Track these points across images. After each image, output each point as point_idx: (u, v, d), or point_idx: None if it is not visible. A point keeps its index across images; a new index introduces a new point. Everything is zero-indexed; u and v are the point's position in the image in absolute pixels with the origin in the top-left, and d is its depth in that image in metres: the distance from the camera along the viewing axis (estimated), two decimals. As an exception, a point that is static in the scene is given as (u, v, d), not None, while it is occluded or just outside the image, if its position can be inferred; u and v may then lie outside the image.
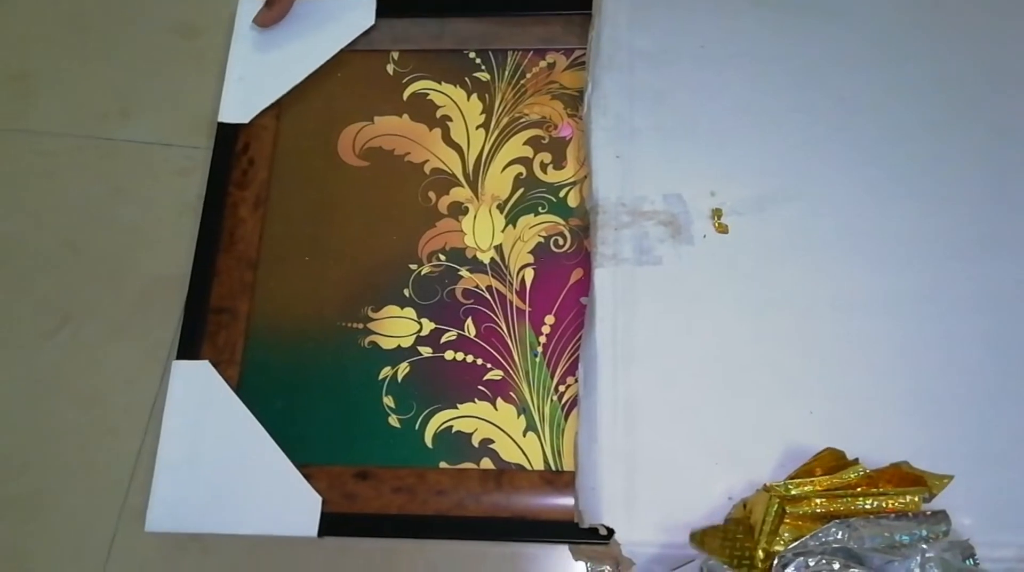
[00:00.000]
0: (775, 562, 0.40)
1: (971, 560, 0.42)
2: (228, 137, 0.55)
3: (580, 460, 0.46)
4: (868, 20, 0.56)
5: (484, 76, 0.57)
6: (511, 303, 0.51)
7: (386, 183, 0.55)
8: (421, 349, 0.50)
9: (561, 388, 0.49)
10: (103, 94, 0.59)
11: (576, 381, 0.48)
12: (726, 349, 0.48)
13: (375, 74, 0.58)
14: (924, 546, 0.41)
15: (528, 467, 0.47)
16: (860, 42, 0.55)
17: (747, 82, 0.54)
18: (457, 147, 0.55)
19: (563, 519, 0.45)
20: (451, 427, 0.48)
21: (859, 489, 0.43)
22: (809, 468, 0.44)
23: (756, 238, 0.50)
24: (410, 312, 0.51)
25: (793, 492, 0.43)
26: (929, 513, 0.42)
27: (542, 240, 0.53)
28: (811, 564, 0.40)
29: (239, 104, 0.56)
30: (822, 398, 0.47)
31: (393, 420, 0.48)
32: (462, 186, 0.54)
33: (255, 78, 0.57)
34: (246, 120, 0.55)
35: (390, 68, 0.58)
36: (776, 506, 0.42)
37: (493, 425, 0.48)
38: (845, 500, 0.42)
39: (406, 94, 0.57)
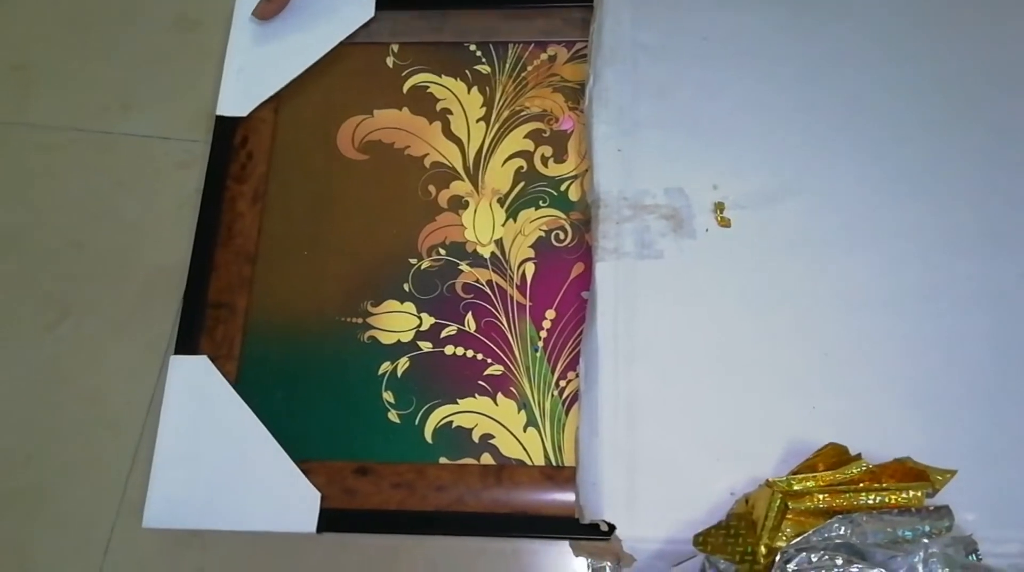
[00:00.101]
0: (777, 558, 0.40)
1: (974, 555, 0.41)
2: (226, 130, 0.55)
3: (581, 455, 0.46)
4: (872, 16, 0.55)
5: (485, 69, 0.57)
6: (511, 298, 0.51)
7: (386, 177, 0.54)
8: (421, 344, 0.50)
9: (562, 383, 0.49)
10: (103, 87, 0.59)
11: (577, 376, 0.48)
12: (728, 344, 0.47)
13: (375, 67, 0.57)
14: (927, 541, 0.40)
15: (529, 462, 0.47)
16: (864, 39, 0.55)
17: (750, 76, 0.54)
18: (457, 140, 0.55)
19: (564, 515, 0.45)
20: (451, 422, 0.48)
21: (862, 484, 0.42)
22: (811, 463, 0.44)
23: (759, 232, 0.50)
24: (410, 307, 0.51)
25: (795, 487, 0.42)
26: (932, 508, 0.41)
27: (543, 234, 0.52)
28: (814, 559, 0.39)
29: (237, 97, 0.56)
30: (825, 393, 0.46)
31: (393, 415, 0.48)
32: (462, 180, 0.54)
33: (254, 71, 0.56)
34: (244, 113, 0.55)
35: (390, 61, 0.57)
36: (778, 502, 0.41)
37: (493, 420, 0.48)
38: (848, 495, 0.42)
39: (406, 87, 0.56)
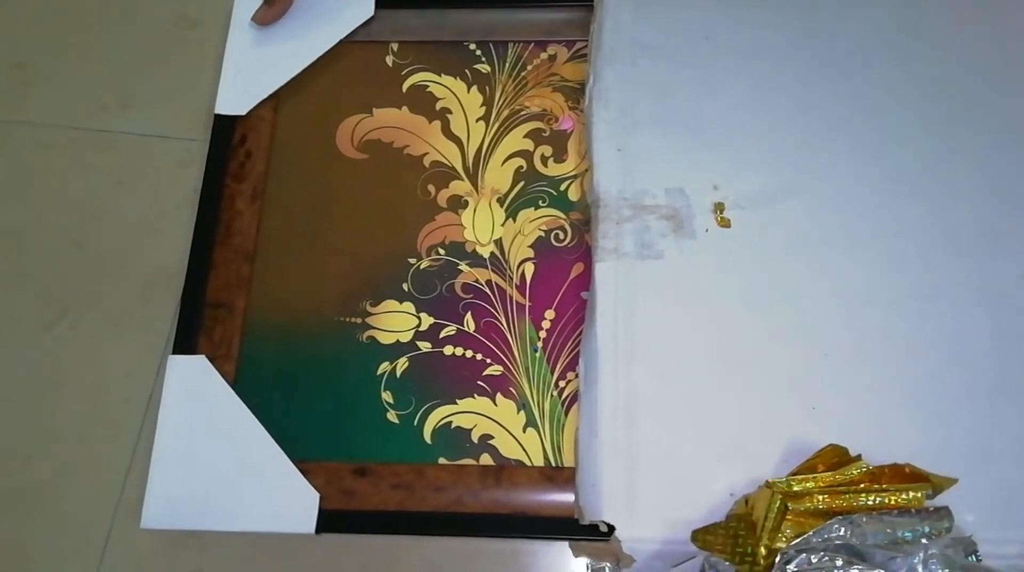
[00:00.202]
0: (777, 559, 0.40)
1: (974, 556, 0.41)
2: (225, 129, 0.55)
3: (580, 456, 0.45)
4: (873, 16, 0.55)
5: (484, 68, 0.56)
6: (511, 298, 0.51)
7: (385, 176, 0.54)
8: (420, 344, 0.50)
9: (561, 383, 0.49)
10: (102, 86, 0.58)
11: (576, 376, 0.48)
12: (728, 344, 0.47)
13: (374, 66, 0.57)
14: (926, 542, 0.40)
15: (528, 463, 0.47)
16: (865, 39, 0.55)
17: (751, 76, 0.54)
18: (457, 140, 0.55)
19: (563, 515, 0.45)
20: (450, 423, 0.48)
21: (862, 485, 0.42)
22: (811, 464, 0.44)
23: (759, 233, 0.50)
24: (409, 307, 0.51)
25: (795, 488, 0.42)
26: (932, 509, 0.41)
27: (542, 234, 0.52)
28: (814, 561, 0.39)
29: (236, 96, 0.55)
30: (825, 393, 0.46)
31: (392, 416, 0.48)
32: (462, 179, 0.54)
33: (253, 70, 0.56)
34: (243, 112, 0.55)
35: (389, 60, 0.57)
36: (778, 503, 0.41)
37: (493, 421, 0.48)
38: (847, 496, 0.42)
39: (405, 86, 0.56)
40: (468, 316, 0.50)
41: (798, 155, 0.52)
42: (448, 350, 0.49)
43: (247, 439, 0.47)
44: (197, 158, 0.55)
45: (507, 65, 0.57)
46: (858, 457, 0.43)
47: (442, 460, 0.47)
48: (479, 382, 0.49)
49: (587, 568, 0.45)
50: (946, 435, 0.45)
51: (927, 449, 0.44)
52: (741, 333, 0.48)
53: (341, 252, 0.52)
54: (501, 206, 0.53)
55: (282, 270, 0.52)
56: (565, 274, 0.51)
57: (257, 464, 0.46)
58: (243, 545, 0.46)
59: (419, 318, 0.50)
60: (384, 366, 0.49)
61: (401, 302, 0.51)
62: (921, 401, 0.46)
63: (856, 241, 0.50)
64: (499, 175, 0.54)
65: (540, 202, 0.53)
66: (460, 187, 0.54)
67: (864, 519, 0.41)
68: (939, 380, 0.46)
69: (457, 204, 0.53)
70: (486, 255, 0.52)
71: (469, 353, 0.49)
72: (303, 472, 0.46)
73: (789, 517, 0.41)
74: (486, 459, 0.47)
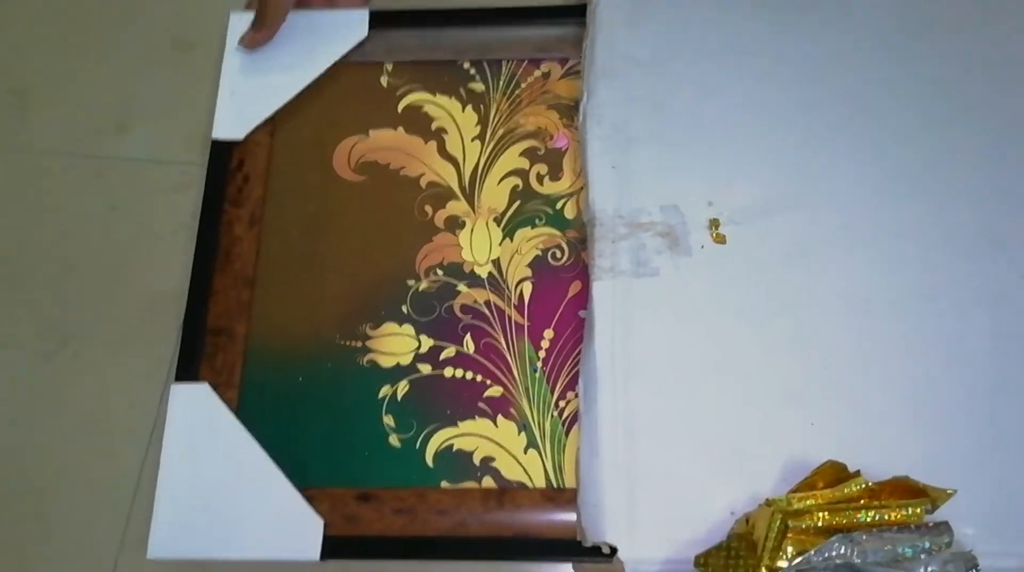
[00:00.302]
0: (778, 579, 0.40)
1: (974, 571, 0.41)
2: (222, 154, 0.55)
3: (582, 476, 0.46)
4: (868, 21, 0.55)
5: (479, 87, 0.57)
6: (510, 318, 0.51)
7: (382, 198, 0.54)
8: (420, 366, 0.50)
9: (561, 403, 0.49)
10: (99, 111, 0.59)
11: (576, 396, 0.48)
12: (726, 361, 0.48)
13: (369, 86, 0.57)
14: (926, 557, 0.40)
15: (530, 485, 0.47)
16: (860, 44, 0.54)
17: (745, 90, 0.54)
18: (453, 160, 0.55)
19: (566, 537, 0.45)
20: (452, 445, 0.48)
21: (861, 502, 0.43)
22: (811, 481, 0.44)
23: (754, 248, 0.50)
24: (408, 329, 0.51)
25: (795, 506, 0.43)
26: (931, 525, 0.42)
27: (540, 253, 0.52)
28: (814, 581, 0.40)
29: (233, 121, 0.56)
30: (824, 409, 0.46)
31: (394, 439, 0.48)
32: (459, 199, 0.54)
33: (248, 94, 0.56)
34: (240, 137, 0.55)
35: (384, 80, 0.57)
36: (779, 522, 0.42)
37: (494, 443, 0.48)
38: (847, 513, 0.42)
39: (400, 106, 0.56)
40: (468, 337, 0.51)
41: (792, 167, 0.52)
42: (448, 372, 0.50)
43: (251, 467, 0.47)
44: (194, 182, 0.56)
45: (501, 83, 0.57)
46: (857, 473, 0.43)
47: (444, 483, 0.47)
48: (480, 404, 0.49)
49: (590, 588, 0.45)
50: (946, 448, 0.46)
51: (927, 462, 0.44)
52: (738, 349, 0.48)
53: (340, 275, 0.52)
54: (498, 225, 0.53)
55: (282, 295, 0.52)
56: (563, 293, 0.51)
57: (261, 492, 0.47)
58: (249, 572, 0.47)
59: (419, 340, 0.51)
60: (385, 389, 0.49)
61: (401, 324, 0.51)
62: (921, 415, 0.46)
63: (853, 246, 0.50)
64: (495, 194, 0.54)
65: (537, 221, 0.53)
66: (457, 207, 0.54)
67: (864, 536, 0.41)
68: (939, 393, 0.47)
69: (454, 224, 0.53)
70: (484, 275, 0.52)
71: (469, 375, 0.50)
72: (307, 499, 0.46)
73: (790, 535, 0.42)
74: (488, 481, 0.47)
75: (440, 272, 0.52)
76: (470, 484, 0.47)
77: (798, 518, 0.42)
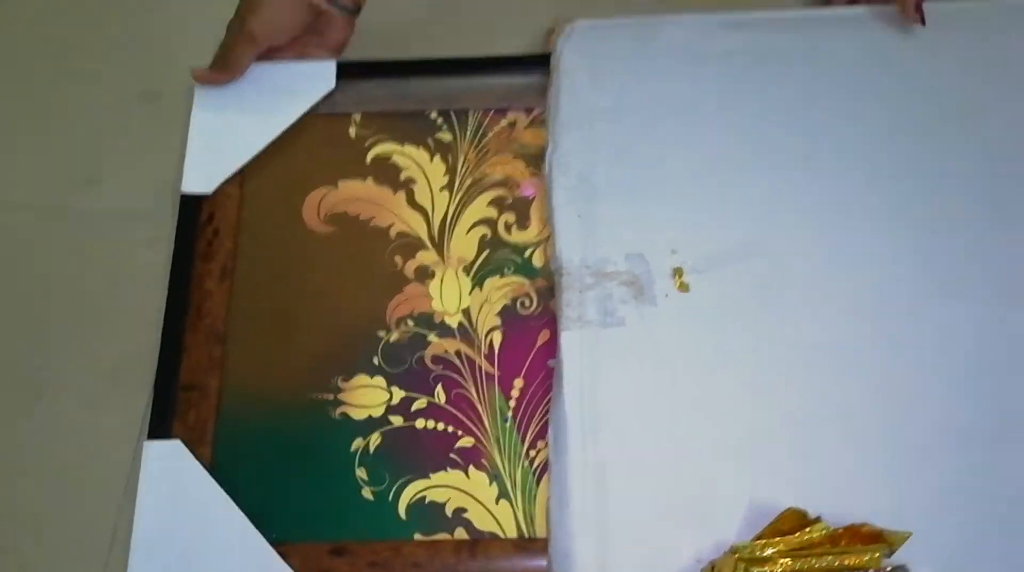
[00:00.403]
0: (743, 628, 0.41)
1: (932, 611, 0.43)
2: (191, 208, 0.55)
3: (552, 526, 0.47)
4: (829, 69, 0.57)
5: (446, 137, 0.58)
6: (480, 367, 0.52)
7: (352, 249, 0.55)
8: (392, 418, 0.51)
9: (532, 452, 0.50)
10: (67, 165, 0.59)
11: (547, 445, 0.49)
12: (691, 409, 0.49)
13: (337, 137, 0.58)
14: (886, 601, 0.42)
15: (502, 535, 0.48)
16: (821, 91, 0.56)
17: (706, 140, 0.55)
18: (422, 210, 0.56)
19: (538, 587, 0.46)
20: (424, 497, 0.49)
21: (822, 548, 0.44)
22: (773, 528, 0.45)
23: (716, 296, 0.51)
24: (380, 381, 0.52)
25: (758, 553, 0.44)
26: (890, 569, 0.43)
27: (509, 302, 0.53)
28: (777, 629, 0.41)
29: (201, 174, 0.56)
30: (787, 456, 0.48)
31: (367, 492, 0.49)
32: (428, 249, 0.55)
33: (217, 147, 0.57)
34: (209, 190, 0.56)
35: (352, 131, 0.58)
36: (742, 569, 0.43)
37: (466, 494, 0.49)
38: (808, 559, 0.44)
39: (369, 157, 0.57)
40: (439, 388, 0.51)
41: (753, 216, 0.53)
42: (420, 423, 0.51)
43: (225, 524, 0.48)
44: (164, 235, 0.56)
45: (468, 133, 0.58)
46: (817, 519, 0.45)
47: (418, 535, 0.48)
48: (451, 455, 0.50)
49: (562, 636, 0.46)
50: (905, 492, 0.47)
51: (887, 506, 0.46)
52: (702, 398, 0.49)
53: (311, 328, 0.53)
54: (468, 275, 0.54)
55: (254, 349, 0.53)
56: (532, 342, 0.52)
57: (236, 549, 0.47)
58: (225, 628, 0.47)
59: (390, 392, 0.51)
60: (358, 442, 0.50)
61: (372, 376, 0.52)
62: (880, 460, 0.47)
63: (813, 295, 0.51)
64: (464, 244, 0.55)
65: (506, 270, 0.54)
66: (427, 257, 0.55)
67: (825, 582, 0.42)
68: (898, 435, 0.48)
69: (424, 274, 0.54)
70: (454, 325, 0.53)
71: (441, 426, 0.50)
72: (281, 554, 0.47)
73: (754, 582, 0.43)
74: (461, 533, 0.48)
75: (411, 322, 0.53)
76: (443, 535, 0.48)
77: (761, 565, 0.43)
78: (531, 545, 0.47)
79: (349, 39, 0.59)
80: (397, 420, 0.51)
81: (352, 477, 0.49)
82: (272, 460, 0.50)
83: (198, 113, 0.57)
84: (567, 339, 0.50)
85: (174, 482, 0.49)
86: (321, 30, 0.58)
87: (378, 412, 0.51)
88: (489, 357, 0.52)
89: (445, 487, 0.49)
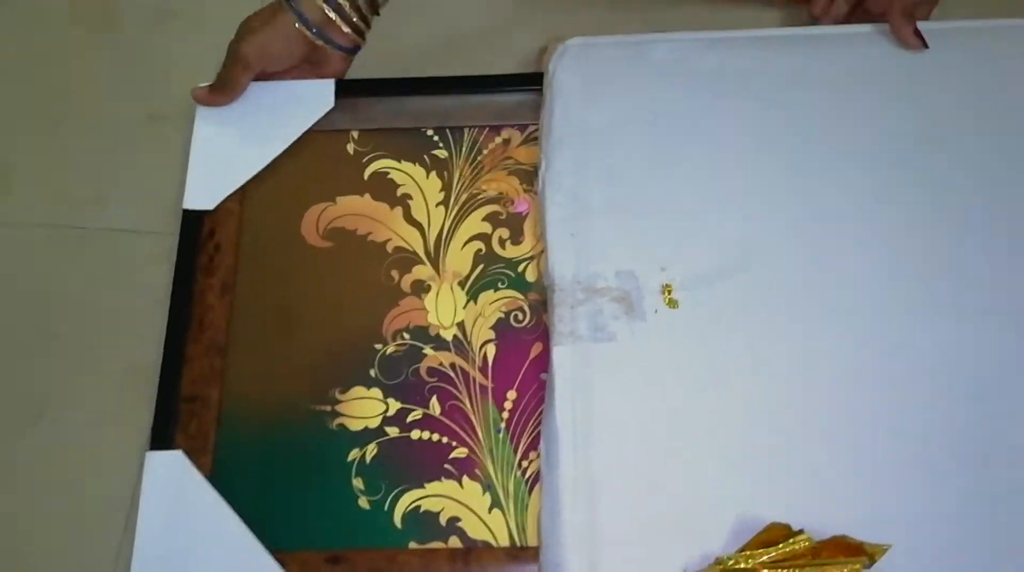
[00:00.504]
0: (726, 637, 0.42)
1: (911, 621, 0.44)
2: (194, 224, 0.57)
3: (543, 537, 0.48)
4: (818, 87, 0.58)
5: (442, 153, 0.59)
6: (474, 380, 0.53)
7: (350, 264, 0.56)
8: (388, 429, 0.52)
9: (524, 463, 0.51)
10: (76, 184, 0.61)
11: (539, 456, 0.50)
12: (680, 423, 0.50)
13: (336, 154, 0.59)
14: (866, 612, 0.43)
15: (494, 544, 0.49)
16: (811, 110, 0.57)
17: (696, 157, 0.56)
18: (418, 225, 0.57)
19: (529, 595, 0.48)
20: (419, 507, 0.50)
21: (804, 560, 0.45)
22: (759, 540, 0.46)
23: (704, 312, 0.52)
24: (376, 392, 0.53)
25: (742, 565, 0.45)
26: (870, 580, 0.45)
27: (503, 315, 0.55)
28: (760, 638, 0.42)
29: (203, 190, 0.57)
30: (773, 469, 0.49)
31: (363, 502, 0.50)
32: (424, 264, 0.56)
33: (218, 164, 0.58)
34: (211, 207, 0.57)
35: (350, 148, 0.59)
36: (727, 580, 0.44)
37: (460, 503, 0.50)
38: (792, 570, 0.45)
39: (367, 173, 0.59)
40: (434, 399, 0.53)
41: (742, 233, 0.54)
42: (415, 434, 0.52)
43: (225, 532, 0.49)
44: (169, 251, 0.57)
45: (464, 150, 0.59)
46: (801, 531, 0.46)
47: (412, 544, 0.49)
48: (446, 465, 0.51)
49: (553, 643, 0.47)
50: (886, 505, 0.48)
51: (869, 519, 0.47)
52: (691, 412, 0.50)
53: (310, 340, 0.54)
54: (462, 289, 0.55)
55: (254, 361, 0.54)
56: (525, 354, 0.54)
57: (236, 558, 0.48)
58: (225, 634, 0.48)
59: (387, 404, 0.53)
60: (354, 453, 0.51)
61: (369, 388, 0.53)
62: (864, 473, 0.48)
63: (800, 311, 0.52)
64: (459, 258, 0.56)
65: (500, 284, 0.56)
66: (422, 272, 0.56)
67: (807, 592, 0.44)
68: (882, 450, 0.49)
69: (420, 288, 0.56)
70: (449, 338, 0.54)
71: (435, 437, 0.52)
72: (279, 562, 0.48)
73: (737, 592, 0.44)
74: (455, 541, 0.49)
75: (407, 336, 0.54)
76: (437, 544, 0.49)
77: (745, 576, 0.45)
78: (523, 554, 0.49)
79: (346, 72, 0.61)
80: (393, 431, 0.52)
81: (349, 487, 0.51)
82: (271, 470, 0.51)
83: (200, 131, 0.59)
84: (559, 354, 0.51)
85: (175, 492, 0.50)
86: (318, 63, 0.59)
87: (374, 423, 0.52)
88: (483, 369, 0.53)
89: (439, 497, 0.50)
